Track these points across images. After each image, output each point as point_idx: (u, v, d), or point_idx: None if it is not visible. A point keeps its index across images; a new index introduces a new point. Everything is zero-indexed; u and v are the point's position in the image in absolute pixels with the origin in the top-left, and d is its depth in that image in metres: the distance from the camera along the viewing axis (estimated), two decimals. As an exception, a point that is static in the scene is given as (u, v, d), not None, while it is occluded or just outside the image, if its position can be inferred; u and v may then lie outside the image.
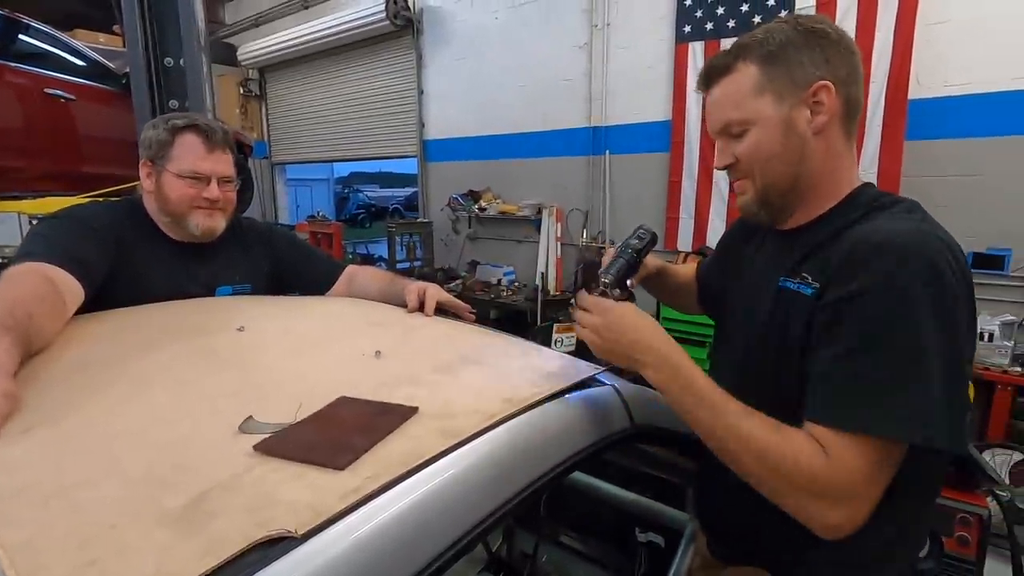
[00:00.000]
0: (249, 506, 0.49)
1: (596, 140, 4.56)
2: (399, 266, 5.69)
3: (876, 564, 0.80)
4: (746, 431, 0.71)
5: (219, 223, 1.26)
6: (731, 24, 3.78)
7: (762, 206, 0.86)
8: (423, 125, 5.88)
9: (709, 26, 3.88)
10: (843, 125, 0.82)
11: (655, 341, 0.80)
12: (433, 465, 0.57)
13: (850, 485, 0.66)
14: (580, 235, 4.72)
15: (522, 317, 4.73)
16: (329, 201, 16.50)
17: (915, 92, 3.21)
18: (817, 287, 0.76)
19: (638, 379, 0.88)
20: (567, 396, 0.80)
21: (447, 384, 0.78)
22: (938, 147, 3.16)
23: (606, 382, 0.90)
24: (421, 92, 5.82)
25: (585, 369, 0.90)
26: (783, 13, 3.58)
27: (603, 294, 0.90)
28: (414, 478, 0.55)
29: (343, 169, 18.20)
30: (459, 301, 1.22)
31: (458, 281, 5.29)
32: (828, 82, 0.79)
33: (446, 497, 0.56)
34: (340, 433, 0.60)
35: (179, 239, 1.26)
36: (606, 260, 0.99)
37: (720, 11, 3.82)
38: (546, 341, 3.81)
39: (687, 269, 1.21)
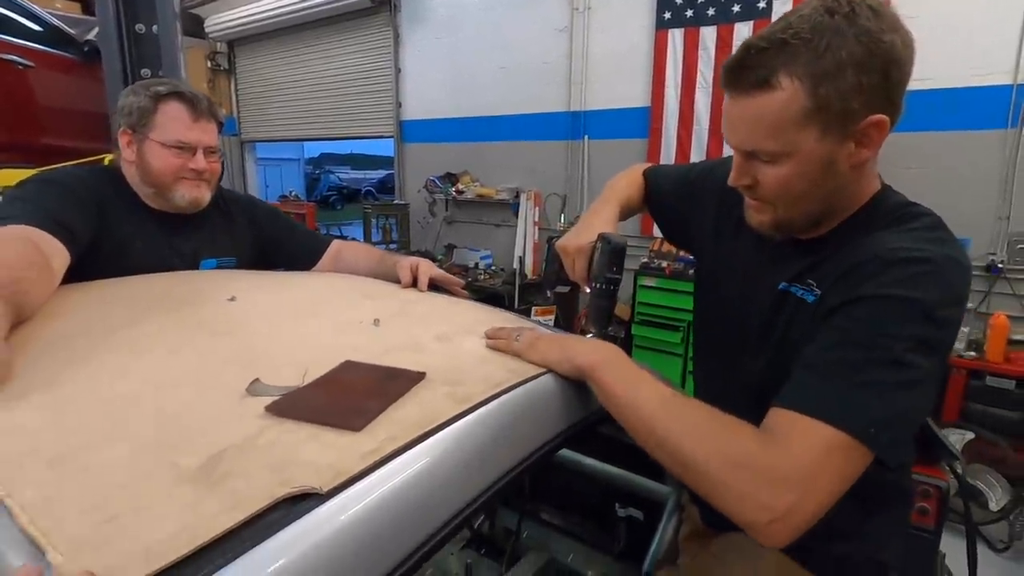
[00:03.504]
0: (268, 465, 0.49)
1: (575, 125, 4.56)
2: (374, 248, 5.60)
3: (870, 526, 0.82)
4: (691, 412, 0.68)
5: (205, 194, 1.23)
6: (711, 12, 3.81)
7: (778, 231, 0.81)
8: (400, 105, 5.78)
9: (689, 13, 3.90)
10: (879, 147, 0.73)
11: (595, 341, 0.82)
12: (447, 429, 0.57)
13: (799, 468, 0.60)
14: (558, 220, 4.73)
15: (500, 301, 4.73)
16: (299, 182, 16.12)
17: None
18: (819, 293, 0.75)
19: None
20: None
21: (450, 352, 0.79)
22: (904, 140, 3.27)
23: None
24: (398, 71, 5.71)
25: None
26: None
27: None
28: (430, 441, 0.55)
29: (314, 150, 17.78)
30: (452, 276, 1.22)
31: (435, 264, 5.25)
32: (885, 116, 0.69)
33: (460, 461, 0.57)
34: (351, 396, 0.60)
35: (161, 209, 1.22)
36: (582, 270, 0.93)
37: (700, -1, 3.85)
38: (523, 324, 3.83)
39: (635, 194, 1.16)
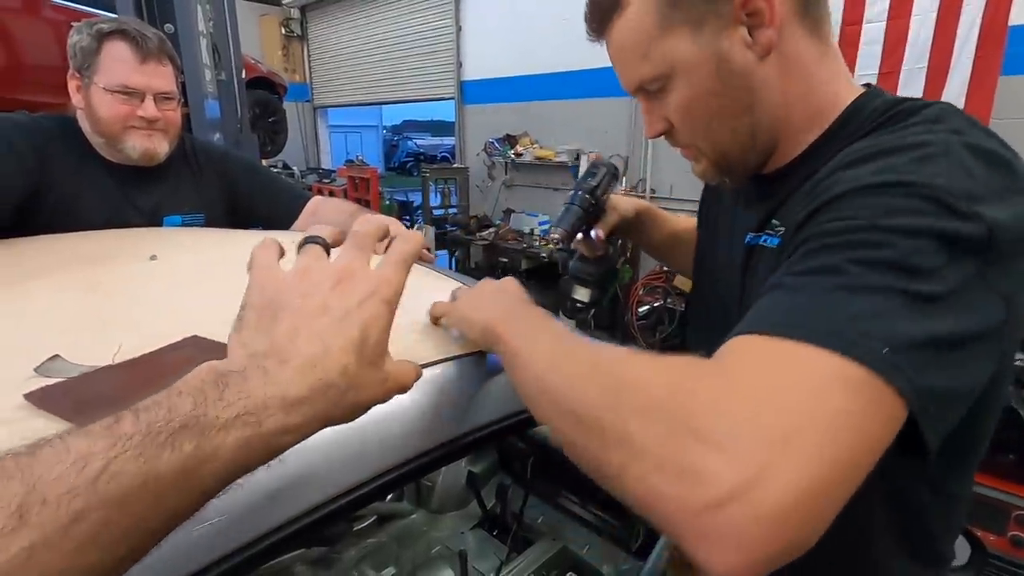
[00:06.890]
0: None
1: (641, 79, 4.20)
2: (434, 212, 5.58)
3: (884, 559, 0.60)
4: (600, 354, 0.44)
5: (160, 146, 1.14)
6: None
7: (724, 174, 0.66)
8: (460, 64, 5.62)
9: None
10: (803, 21, 0.57)
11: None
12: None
13: (763, 394, 0.35)
14: (620, 184, 4.42)
15: (554, 269, 4.54)
16: (377, 149, 16.47)
17: (1018, 17, 2.71)
18: (784, 231, 0.58)
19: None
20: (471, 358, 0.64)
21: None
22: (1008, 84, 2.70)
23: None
24: (459, 29, 5.53)
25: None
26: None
27: (561, 251, 0.77)
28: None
29: (396, 117, 18.04)
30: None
31: (491, 229, 5.13)
32: None
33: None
34: (139, 386, 0.47)
35: (117, 162, 1.15)
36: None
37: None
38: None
39: (687, 220, 0.97)
